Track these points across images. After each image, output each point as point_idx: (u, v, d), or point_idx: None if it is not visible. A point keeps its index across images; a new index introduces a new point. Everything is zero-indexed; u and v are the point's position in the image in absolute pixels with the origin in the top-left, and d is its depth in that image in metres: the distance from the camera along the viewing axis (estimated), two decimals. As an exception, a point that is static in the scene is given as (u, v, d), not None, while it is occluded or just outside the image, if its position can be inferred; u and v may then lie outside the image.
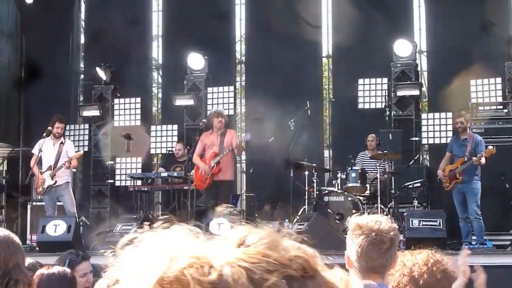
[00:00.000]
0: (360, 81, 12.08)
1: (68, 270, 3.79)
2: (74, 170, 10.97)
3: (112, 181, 12.63)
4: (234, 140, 9.71)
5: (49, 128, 10.15)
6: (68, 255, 4.30)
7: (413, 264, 2.91)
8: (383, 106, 11.79)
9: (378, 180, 10.04)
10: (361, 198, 10.20)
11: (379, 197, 9.91)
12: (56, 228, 9.29)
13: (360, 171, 10.26)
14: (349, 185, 10.17)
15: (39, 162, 10.23)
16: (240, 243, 0.88)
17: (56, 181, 10.07)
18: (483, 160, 9.14)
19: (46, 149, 10.16)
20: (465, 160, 9.37)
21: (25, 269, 2.22)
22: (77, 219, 9.97)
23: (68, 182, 10.28)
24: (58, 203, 10.34)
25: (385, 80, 11.97)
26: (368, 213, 8.95)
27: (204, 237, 0.90)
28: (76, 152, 10.53)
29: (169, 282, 0.83)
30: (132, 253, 0.89)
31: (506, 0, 12.33)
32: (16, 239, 2.27)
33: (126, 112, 12.91)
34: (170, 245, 0.87)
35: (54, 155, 10.17)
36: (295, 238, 0.93)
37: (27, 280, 2.18)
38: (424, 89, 12.93)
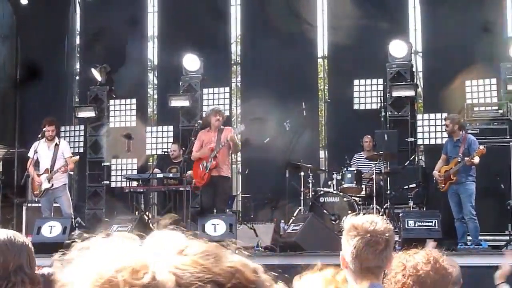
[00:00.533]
0: (356, 81, 12.08)
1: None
2: (71, 172, 10.95)
3: (107, 182, 12.62)
4: (230, 134, 9.70)
5: (44, 129, 10.16)
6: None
7: (416, 263, 2.90)
8: (378, 107, 11.80)
9: (374, 180, 10.04)
10: (356, 198, 10.20)
11: (374, 198, 9.91)
12: (52, 229, 9.29)
13: (355, 171, 10.27)
14: (345, 185, 10.18)
15: (36, 164, 10.22)
16: (180, 252, 0.93)
17: (53, 184, 10.06)
18: (475, 160, 9.11)
19: (41, 151, 10.16)
20: (459, 160, 9.38)
21: (28, 268, 2.21)
22: (73, 220, 9.95)
23: (65, 184, 10.27)
24: (54, 204, 10.33)
25: (380, 80, 11.98)
26: (364, 214, 8.95)
27: (149, 245, 0.95)
28: (71, 154, 10.52)
29: (103, 285, 0.89)
30: (76, 259, 0.95)
31: (502, 1, 12.35)
32: (19, 238, 2.25)
33: (121, 113, 12.90)
34: (113, 251, 0.93)
35: (50, 157, 10.15)
36: (242, 253, 0.97)
37: (28, 280, 2.17)
38: (419, 89, 12.94)
